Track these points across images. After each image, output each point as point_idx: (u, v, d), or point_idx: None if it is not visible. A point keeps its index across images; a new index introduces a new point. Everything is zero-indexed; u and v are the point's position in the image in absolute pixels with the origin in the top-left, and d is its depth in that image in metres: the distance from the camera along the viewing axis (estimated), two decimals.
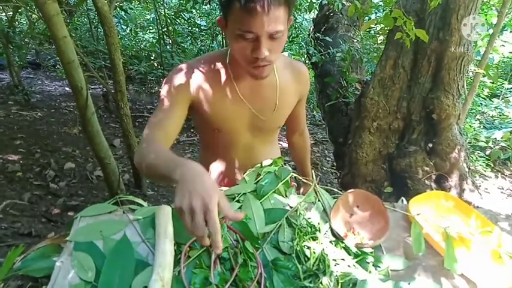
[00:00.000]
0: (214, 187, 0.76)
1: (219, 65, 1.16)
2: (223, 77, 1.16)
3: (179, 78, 1.13)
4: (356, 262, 0.89)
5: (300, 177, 1.31)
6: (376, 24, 4.34)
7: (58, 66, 6.36)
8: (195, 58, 1.24)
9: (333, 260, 0.89)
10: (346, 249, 0.93)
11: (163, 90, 1.14)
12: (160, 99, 1.13)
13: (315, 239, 0.94)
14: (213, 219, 0.72)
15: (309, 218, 1.02)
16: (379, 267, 0.90)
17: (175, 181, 0.78)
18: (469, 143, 4.48)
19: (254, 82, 1.14)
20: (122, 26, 6.28)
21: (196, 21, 6.16)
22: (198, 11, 6.24)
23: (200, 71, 1.15)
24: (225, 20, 0.99)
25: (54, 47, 2.67)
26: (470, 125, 4.85)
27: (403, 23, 2.26)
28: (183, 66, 1.16)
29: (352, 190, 1.12)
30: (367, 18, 3.75)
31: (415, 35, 2.23)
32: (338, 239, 0.96)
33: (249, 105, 1.19)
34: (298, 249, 0.90)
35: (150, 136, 1.04)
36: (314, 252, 0.89)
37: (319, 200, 1.10)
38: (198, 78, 1.14)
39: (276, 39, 0.96)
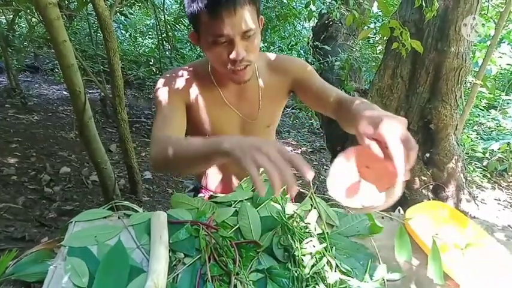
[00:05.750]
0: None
1: (203, 73, 1.17)
2: (208, 85, 1.17)
3: (173, 84, 1.14)
4: (352, 271, 0.89)
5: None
6: (375, 34, 4.37)
7: (56, 69, 6.35)
8: (178, 67, 1.25)
9: (329, 268, 0.88)
10: (342, 258, 0.93)
11: (159, 98, 1.13)
12: (157, 108, 1.13)
13: (310, 247, 0.94)
14: (284, 153, 0.71)
15: (305, 226, 1.01)
16: (374, 276, 0.90)
17: (225, 153, 0.76)
18: (466, 153, 4.49)
19: (238, 87, 1.16)
20: (122, 31, 6.29)
21: None
22: None
23: (187, 79, 1.16)
24: (197, 34, 1.02)
25: (53, 50, 2.67)
26: (467, 136, 4.87)
27: (400, 34, 2.29)
28: (173, 73, 1.18)
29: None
30: (366, 27, 3.78)
31: (411, 45, 2.26)
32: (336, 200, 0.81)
33: (236, 111, 1.20)
34: (293, 257, 0.89)
35: (163, 135, 1.00)
36: (310, 261, 0.88)
37: (315, 208, 1.10)
38: (186, 86, 1.15)
39: (249, 38, 0.98)
